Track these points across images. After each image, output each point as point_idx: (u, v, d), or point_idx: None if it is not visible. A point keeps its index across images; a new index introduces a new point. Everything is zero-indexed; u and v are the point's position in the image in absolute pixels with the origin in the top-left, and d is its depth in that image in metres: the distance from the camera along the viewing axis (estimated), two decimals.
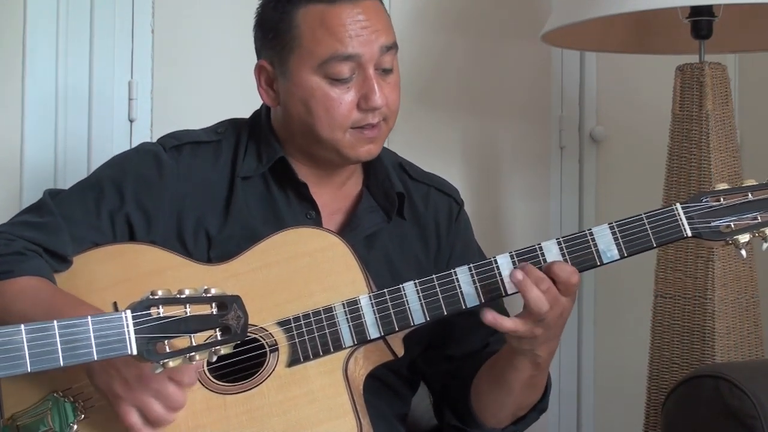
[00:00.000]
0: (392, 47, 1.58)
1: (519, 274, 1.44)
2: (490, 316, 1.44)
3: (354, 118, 1.55)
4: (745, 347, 2.19)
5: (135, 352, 1.14)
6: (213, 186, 1.61)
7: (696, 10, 2.19)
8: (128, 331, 1.14)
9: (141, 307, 1.15)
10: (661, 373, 2.23)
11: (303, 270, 1.50)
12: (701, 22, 2.20)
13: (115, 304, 1.44)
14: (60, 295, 1.46)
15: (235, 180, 1.61)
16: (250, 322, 1.43)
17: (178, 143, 1.63)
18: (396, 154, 1.76)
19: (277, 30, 1.58)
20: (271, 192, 1.62)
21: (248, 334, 1.45)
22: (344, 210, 1.67)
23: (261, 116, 1.67)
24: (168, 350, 1.15)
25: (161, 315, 1.15)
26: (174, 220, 1.58)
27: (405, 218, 1.68)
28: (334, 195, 1.66)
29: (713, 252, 2.15)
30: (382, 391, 1.60)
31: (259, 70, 1.63)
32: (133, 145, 2.15)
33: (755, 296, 2.23)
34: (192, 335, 1.16)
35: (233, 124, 1.69)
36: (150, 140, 2.16)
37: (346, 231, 1.61)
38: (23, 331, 1.11)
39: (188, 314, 1.16)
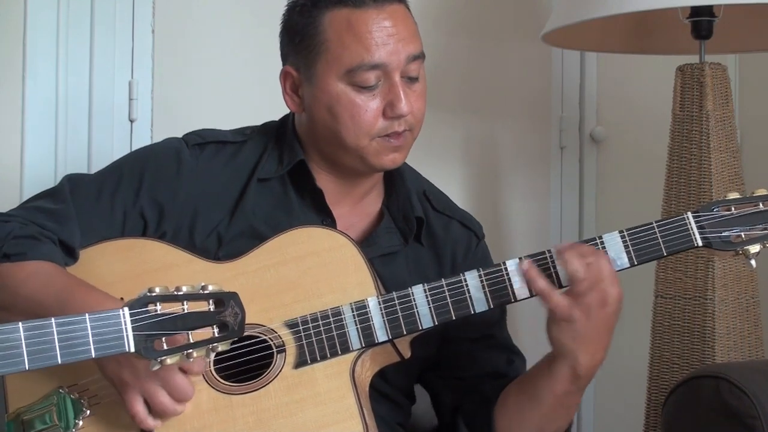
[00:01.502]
0: (419, 56, 1.56)
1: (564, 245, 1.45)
2: (526, 265, 1.44)
3: (380, 127, 1.54)
4: (745, 347, 2.19)
5: (132, 350, 1.14)
6: (228, 186, 1.60)
7: (696, 11, 2.19)
8: (126, 328, 1.14)
9: (138, 304, 1.15)
10: (661, 373, 2.22)
11: (311, 270, 1.49)
12: (701, 23, 2.19)
13: (122, 300, 1.43)
14: (72, 278, 1.46)
15: (251, 181, 1.60)
16: (257, 321, 1.44)
17: (202, 141, 1.62)
18: (424, 179, 1.73)
19: (304, 34, 1.56)
20: (289, 196, 1.61)
21: (256, 334, 1.45)
22: (361, 227, 1.65)
23: (288, 121, 1.66)
24: (165, 347, 1.16)
25: (159, 312, 1.15)
26: (187, 219, 1.57)
27: (422, 244, 1.66)
28: (352, 209, 1.65)
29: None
30: (382, 401, 1.59)
31: (284, 76, 1.61)
32: (134, 146, 2.16)
33: (755, 296, 2.22)
34: (189, 332, 1.17)
35: (263, 127, 1.68)
36: (150, 141, 2.17)
37: (362, 247, 1.57)
38: (21, 329, 1.11)
39: (186, 311, 1.16)
